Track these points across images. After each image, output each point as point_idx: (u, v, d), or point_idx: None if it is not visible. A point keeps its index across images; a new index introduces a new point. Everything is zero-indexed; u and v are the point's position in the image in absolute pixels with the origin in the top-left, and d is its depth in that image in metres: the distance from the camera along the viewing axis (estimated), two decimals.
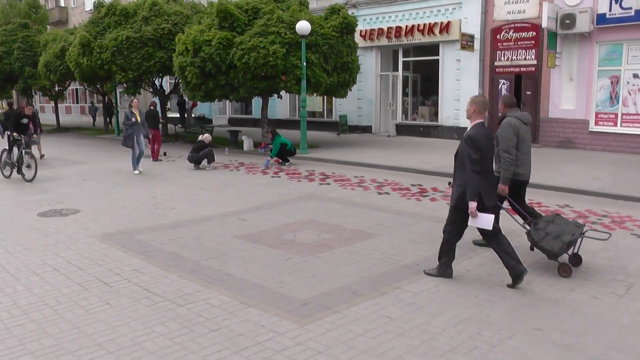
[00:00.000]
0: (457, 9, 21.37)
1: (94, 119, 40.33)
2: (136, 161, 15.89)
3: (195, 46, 19.03)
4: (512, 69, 20.14)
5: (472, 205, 6.12)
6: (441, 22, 21.69)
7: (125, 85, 26.08)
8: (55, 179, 14.90)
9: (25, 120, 15.58)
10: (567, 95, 18.74)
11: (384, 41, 23.86)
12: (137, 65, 23.03)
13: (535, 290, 6.15)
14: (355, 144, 21.26)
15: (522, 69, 19.89)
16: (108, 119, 33.74)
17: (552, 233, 6.82)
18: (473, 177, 6.13)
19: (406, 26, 22.83)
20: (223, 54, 18.60)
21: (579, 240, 6.98)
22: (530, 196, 11.40)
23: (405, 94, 24.61)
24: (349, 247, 7.96)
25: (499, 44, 20.31)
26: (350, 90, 21.62)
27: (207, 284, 6.48)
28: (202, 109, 33.40)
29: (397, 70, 24.32)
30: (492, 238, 6.39)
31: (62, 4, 46.95)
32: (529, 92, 19.72)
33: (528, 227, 7.19)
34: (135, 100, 16.49)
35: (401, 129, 24.12)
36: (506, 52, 20.18)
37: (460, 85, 21.53)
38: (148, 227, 9.32)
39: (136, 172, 15.67)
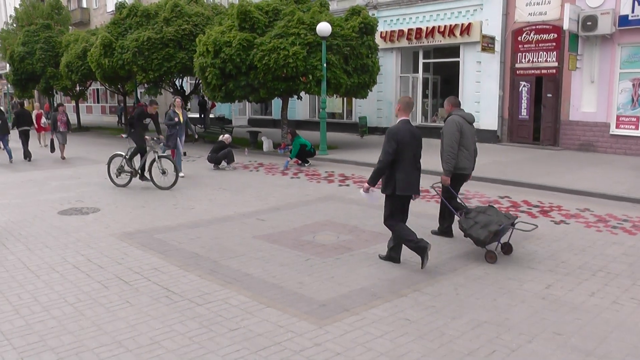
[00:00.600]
0: (478, 11, 21.26)
1: (120, 119, 40.55)
2: (178, 164, 14.88)
3: (215, 47, 19.11)
4: (532, 71, 19.99)
5: (366, 185, 7.09)
6: (462, 24, 21.58)
7: (146, 86, 26.28)
8: (76, 177, 15.04)
9: (147, 121, 13.84)
10: (588, 97, 18.56)
11: (404, 43, 23.80)
12: (158, 65, 23.20)
13: (555, 294, 6.10)
14: (374, 146, 21.20)
15: (543, 71, 19.73)
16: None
17: (481, 222, 7.30)
18: (379, 165, 7.00)
19: (427, 28, 22.75)
20: (243, 55, 18.67)
21: (510, 230, 7.45)
22: (551, 199, 11.34)
23: (425, 95, 24.52)
24: (367, 248, 7.95)
25: (519, 46, 20.17)
26: (371, 91, 21.59)
27: (226, 284, 6.50)
28: (222, 109, 33.54)
29: (417, 72, 24.25)
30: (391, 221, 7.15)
31: (84, 5, 47.42)
32: (549, 95, 19.56)
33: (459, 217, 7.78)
34: (178, 100, 15.75)
35: (421, 131, 23.94)
36: (527, 54, 20.04)
37: (480, 87, 21.41)
38: (168, 227, 9.38)
39: (182, 175, 14.57)
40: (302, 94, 21.28)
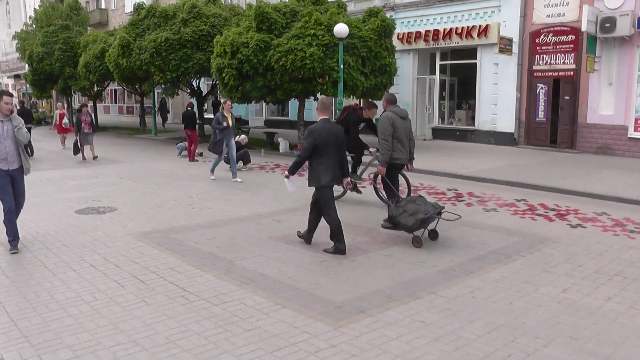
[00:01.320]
0: (495, 12, 21.16)
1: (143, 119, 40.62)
2: (213, 167, 14.69)
3: (233, 48, 19.17)
4: (550, 73, 19.86)
5: (286, 173, 8.22)
6: (479, 26, 21.49)
7: (163, 86, 26.42)
8: (93, 177, 15.15)
9: (361, 126, 12.38)
10: (605, 100, 18.40)
11: (421, 44, 23.73)
12: (175, 66, 23.34)
13: (571, 298, 6.05)
14: None
15: (561, 73, 19.59)
16: (162, 120, 34.19)
17: (409, 211, 7.99)
18: (297, 159, 8.07)
19: (444, 29, 22.67)
20: (260, 55, 18.72)
21: (436, 219, 8.23)
22: (567, 203, 11.26)
23: (442, 97, 24.45)
24: (384, 250, 7.93)
25: (537, 48, 20.05)
26: (387, 92, 21.53)
27: (241, 284, 6.52)
28: (239, 110, 33.63)
29: (435, 74, 24.17)
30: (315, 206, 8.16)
31: (103, 6, 47.79)
32: (567, 97, 19.42)
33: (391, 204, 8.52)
34: (228, 102, 14.64)
35: (437, 133, 23.96)
36: (545, 56, 19.91)
37: (497, 89, 21.30)
38: (184, 227, 9.42)
39: (213, 177, 14.50)
40: (319, 95, 21.31)
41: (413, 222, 7.82)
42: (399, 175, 9.71)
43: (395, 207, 8.21)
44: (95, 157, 19.18)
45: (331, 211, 7.91)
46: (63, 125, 23.44)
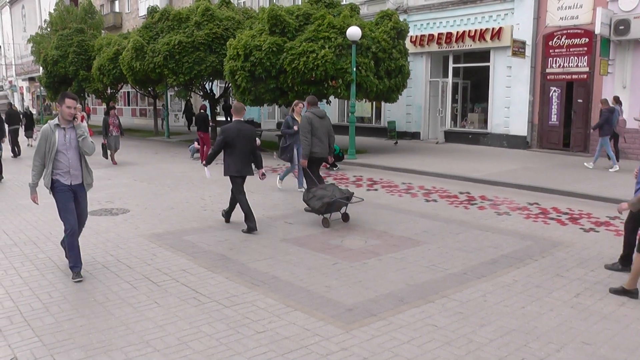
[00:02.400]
0: (509, 15, 21.10)
1: (164, 122, 40.18)
2: (283, 175, 13.56)
3: (246, 51, 19.22)
4: (563, 76, 19.78)
5: (204, 163, 9.97)
6: (492, 28, 21.43)
7: (176, 89, 26.54)
8: (106, 178, 15.24)
9: None
10: None
11: (434, 47, 23.71)
12: (189, 69, 23.42)
13: (584, 303, 6.01)
14: (403, 150, 21.16)
15: (574, 76, 19.50)
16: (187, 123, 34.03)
17: (317, 196, 9.39)
18: (210, 152, 9.65)
19: (457, 32, 22.64)
20: (273, 58, 18.75)
21: (345, 203, 9.55)
22: (580, 207, 11.19)
23: (454, 100, 24.40)
24: (395, 254, 7.92)
25: (550, 51, 19.97)
26: (401, 95, 21.52)
27: (253, 286, 6.53)
28: (251, 113, 33.72)
29: (447, 77, 24.13)
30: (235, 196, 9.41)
31: (117, 10, 48.10)
32: (580, 100, 19.33)
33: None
34: (300, 105, 12.78)
35: (450, 136, 23.91)
36: (558, 58, 19.83)
37: (510, 92, 21.24)
38: (196, 228, 9.45)
39: (280, 186, 13.48)
40: (332, 98, 21.32)
41: (320, 205, 9.21)
42: None
43: (306, 193, 9.71)
44: (115, 163, 18.79)
45: (241, 195, 9.30)
46: None
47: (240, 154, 9.22)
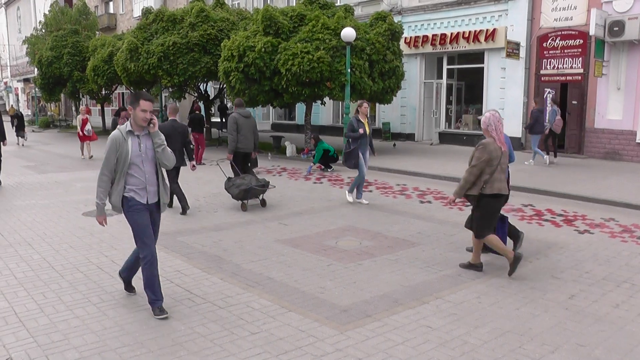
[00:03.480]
0: (503, 16, 21.15)
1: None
2: (355, 186, 11.89)
3: (240, 52, 19.22)
4: (558, 78, 19.83)
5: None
6: (487, 30, 21.49)
7: (170, 90, 26.52)
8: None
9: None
10: (614, 105, 18.35)
11: (428, 48, 23.75)
12: (183, 70, 23.40)
13: (578, 305, 6.03)
14: (397, 152, 21.19)
15: (568, 78, 19.56)
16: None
17: (236, 184, 10.91)
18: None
19: (451, 33, 22.68)
20: (267, 58, 18.75)
21: (262, 191, 11.10)
22: (575, 208, 11.22)
23: (449, 101, 24.44)
24: (390, 255, 7.93)
25: (545, 52, 20.02)
26: (395, 96, 21.54)
27: (248, 287, 6.53)
28: None
29: (442, 78, 24.19)
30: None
31: (111, 11, 48.05)
32: (574, 102, 19.38)
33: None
34: (365, 105, 11.55)
35: (444, 137, 23.95)
36: (552, 60, 19.88)
37: (505, 94, 21.28)
38: (191, 229, 9.44)
39: (350, 199, 11.88)
40: (326, 99, 21.34)
41: (237, 192, 10.79)
42: None
43: (227, 182, 11.26)
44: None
45: (174, 184, 10.79)
46: (85, 133, 20.62)
47: (173, 148, 9.67)
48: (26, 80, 62.22)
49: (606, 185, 13.40)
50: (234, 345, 5.03)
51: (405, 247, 8.33)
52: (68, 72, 34.25)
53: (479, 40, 21.80)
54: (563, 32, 19.45)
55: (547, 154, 17.21)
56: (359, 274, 7.06)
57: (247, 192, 10.78)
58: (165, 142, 5.76)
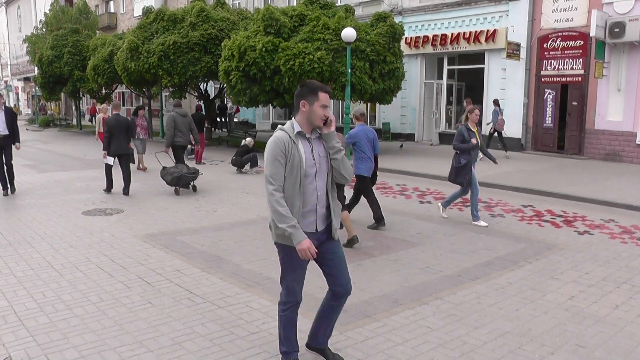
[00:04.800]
0: (503, 17, 21.15)
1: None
2: (449, 201, 10.43)
3: (240, 51, 19.22)
4: (558, 79, 19.83)
5: (103, 153, 12.83)
6: (487, 30, 21.49)
7: (170, 89, 26.53)
8: (100, 179, 15.15)
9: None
10: (614, 106, 18.36)
11: (429, 49, 23.76)
12: (183, 69, 23.39)
13: (578, 306, 6.02)
14: (397, 152, 21.18)
15: (569, 79, 19.56)
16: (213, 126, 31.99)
17: (169, 172, 12.63)
18: (105, 140, 12.75)
19: (452, 34, 22.69)
20: (268, 58, 18.75)
21: (192, 178, 12.75)
22: (575, 209, 11.23)
23: (449, 102, 24.44)
24: (390, 255, 7.92)
25: (545, 53, 20.02)
26: (396, 96, 21.55)
27: (247, 287, 6.52)
28: (246, 113, 33.76)
29: (442, 79, 24.20)
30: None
31: (112, 10, 48.07)
32: (575, 103, 19.39)
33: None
34: (476, 112, 10.01)
35: (444, 138, 23.95)
36: (553, 61, 19.89)
37: (505, 95, 21.28)
38: (190, 229, 9.44)
39: (445, 215, 10.47)
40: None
41: (170, 179, 12.51)
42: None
43: (162, 170, 12.88)
44: (145, 169, 17.15)
45: (107, 171, 12.81)
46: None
47: (118, 138, 12.61)
48: (26, 79, 62.23)
49: (606, 187, 13.40)
50: (233, 345, 5.02)
51: (405, 247, 8.32)
52: (68, 71, 34.22)
53: (479, 41, 21.81)
54: (564, 33, 19.45)
55: (506, 150, 19.22)
56: (359, 274, 7.05)
57: (179, 179, 12.53)
58: (342, 147, 4.41)
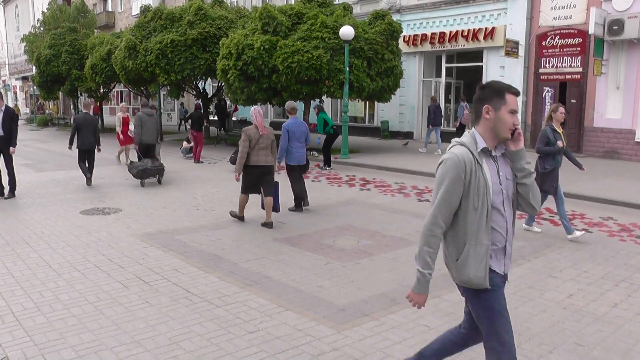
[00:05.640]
0: (502, 15, 21.13)
1: (181, 124, 36.23)
2: (565, 219, 8.75)
3: (238, 50, 19.19)
4: (557, 77, 19.81)
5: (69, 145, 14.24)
6: (485, 28, 21.47)
7: (168, 88, 26.49)
8: (98, 177, 15.17)
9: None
10: (613, 104, 18.35)
11: (427, 47, 23.73)
12: (180, 67, 23.34)
13: (577, 304, 6.01)
14: (396, 150, 21.17)
15: (567, 77, 19.54)
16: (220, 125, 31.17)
17: (136, 166, 13.81)
18: (70, 134, 14.11)
19: (450, 32, 22.66)
20: (266, 56, 18.72)
21: (157, 172, 13.99)
22: (573, 207, 11.22)
23: (447, 100, 24.41)
24: (388, 254, 7.91)
25: (544, 51, 20.00)
26: (394, 94, 21.52)
27: (245, 286, 6.51)
28: (245, 112, 33.67)
29: (440, 77, 24.15)
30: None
31: (110, 9, 48.03)
32: (573, 101, 19.37)
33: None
34: (561, 110, 8.88)
35: (443, 136, 23.82)
36: (551, 59, 19.87)
37: None
38: (188, 228, 9.42)
39: (537, 229, 9.28)
40: (324, 97, 21.31)
41: (136, 172, 13.72)
42: None
43: (129, 165, 14.17)
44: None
45: (82, 162, 13.94)
46: (130, 134, 17.60)
47: (85, 134, 13.69)
48: (24, 79, 62.17)
49: (605, 185, 13.39)
50: (231, 344, 5.01)
51: (403, 245, 8.31)
52: (66, 70, 34.20)
53: (477, 39, 21.78)
54: (562, 31, 19.43)
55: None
56: (357, 272, 7.04)
57: (144, 172, 13.72)
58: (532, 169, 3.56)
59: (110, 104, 46.82)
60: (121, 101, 46.46)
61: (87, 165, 13.95)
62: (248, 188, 9.66)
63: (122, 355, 4.80)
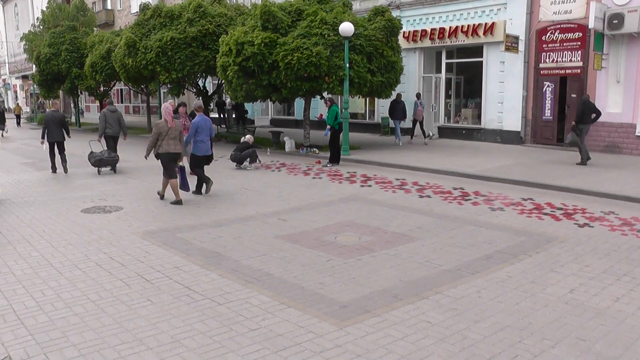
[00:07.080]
0: (502, 10, 21.08)
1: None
2: None
3: (238, 46, 19.16)
4: (557, 71, 19.77)
5: (41, 140, 15.99)
6: (485, 23, 21.41)
7: (169, 86, 26.47)
8: (99, 176, 15.18)
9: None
10: (613, 98, 18.31)
11: (427, 43, 23.68)
12: (180, 65, 23.31)
13: (579, 299, 6.01)
14: (396, 146, 21.16)
15: (568, 71, 19.50)
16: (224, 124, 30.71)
17: (93, 156, 15.57)
18: (42, 130, 15.74)
19: (450, 27, 22.61)
20: (266, 52, 18.68)
21: (112, 163, 15.77)
22: (575, 202, 11.21)
23: (448, 96, 24.38)
24: (389, 250, 7.91)
25: (544, 45, 19.96)
26: (394, 90, 21.50)
27: (247, 283, 6.51)
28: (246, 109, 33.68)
29: (440, 72, 24.11)
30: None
31: (109, 7, 47.95)
32: (573, 95, 19.33)
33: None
34: None
35: (444, 132, 23.91)
36: (551, 53, 19.82)
37: (504, 88, 21.22)
38: (189, 226, 9.42)
39: None
40: (325, 94, 21.29)
41: (93, 161, 15.45)
42: None
43: (89, 155, 15.85)
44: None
45: (51, 153, 15.97)
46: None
47: (53, 129, 15.56)
48: (24, 77, 62.14)
49: (606, 179, 13.38)
50: (233, 342, 5.01)
51: (405, 242, 8.31)
52: (66, 68, 34.19)
53: (477, 34, 21.73)
54: (562, 26, 19.39)
55: (425, 137, 22.41)
56: (358, 269, 7.04)
57: (100, 161, 15.44)
58: None
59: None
60: (121, 99, 46.45)
61: (59, 156, 16.01)
62: (170, 171, 11.38)
63: (125, 353, 4.81)
